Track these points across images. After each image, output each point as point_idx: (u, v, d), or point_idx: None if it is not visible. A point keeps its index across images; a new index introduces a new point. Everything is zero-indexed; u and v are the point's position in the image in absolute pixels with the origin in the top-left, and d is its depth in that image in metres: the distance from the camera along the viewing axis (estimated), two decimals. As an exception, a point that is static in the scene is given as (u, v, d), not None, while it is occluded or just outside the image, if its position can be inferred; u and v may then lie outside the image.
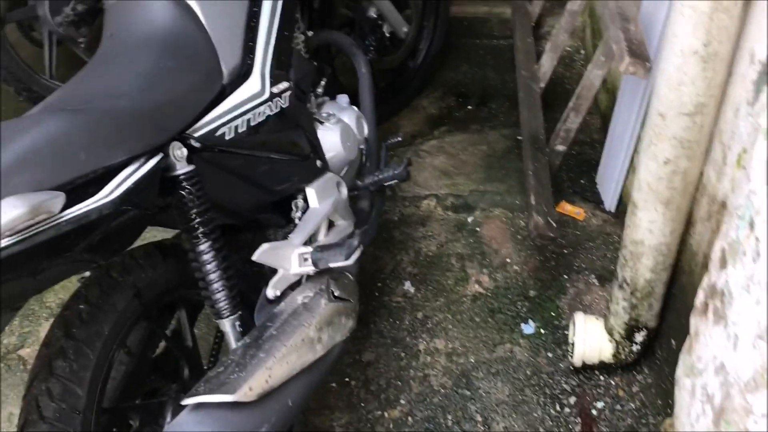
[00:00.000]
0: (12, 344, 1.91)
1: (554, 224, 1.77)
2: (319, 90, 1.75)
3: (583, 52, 2.84)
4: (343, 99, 1.81)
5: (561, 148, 2.02)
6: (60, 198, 0.91)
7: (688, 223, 1.44)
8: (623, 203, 2.13)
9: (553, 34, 2.33)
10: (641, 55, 1.49)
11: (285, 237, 1.48)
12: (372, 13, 2.24)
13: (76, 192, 0.95)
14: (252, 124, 1.37)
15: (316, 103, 1.73)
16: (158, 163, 1.11)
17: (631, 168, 2.00)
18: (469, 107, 2.67)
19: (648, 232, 1.43)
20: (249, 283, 1.43)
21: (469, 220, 2.22)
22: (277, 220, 1.58)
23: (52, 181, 0.92)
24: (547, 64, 2.35)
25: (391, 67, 2.51)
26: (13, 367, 1.86)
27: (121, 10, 1.37)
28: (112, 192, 0.98)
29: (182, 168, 1.18)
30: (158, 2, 1.34)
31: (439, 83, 2.79)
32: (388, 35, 2.33)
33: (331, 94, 1.84)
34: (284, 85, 1.48)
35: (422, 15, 2.54)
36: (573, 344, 1.72)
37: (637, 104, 1.81)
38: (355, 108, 1.80)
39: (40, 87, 2.50)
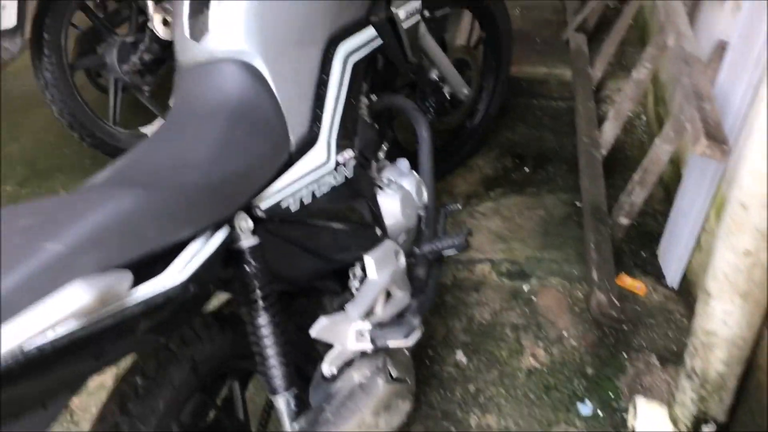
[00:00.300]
0: (60, 393, 1.90)
1: (617, 303, 1.71)
2: (381, 155, 1.74)
3: (644, 117, 2.79)
4: (403, 164, 1.79)
5: (624, 221, 1.96)
6: (127, 278, 0.89)
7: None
8: (687, 280, 2.05)
9: (617, 102, 2.28)
10: (718, 138, 1.44)
11: (341, 306, 1.45)
12: (434, 75, 2.24)
13: (142, 270, 0.94)
14: (317, 195, 1.36)
15: (376, 167, 1.72)
16: (225, 237, 1.10)
17: (698, 246, 1.93)
18: (526, 169, 2.63)
19: (722, 324, 1.36)
20: (303, 354, 1.40)
21: (525, 288, 2.16)
22: (334, 286, 1.55)
23: (119, 259, 0.90)
24: (609, 131, 2.30)
25: (449, 127, 2.50)
26: (60, 418, 1.85)
27: (192, 74, 1.38)
28: (179, 272, 0.96)
29: (247, 241, 1.16)
30: (229, 68, 1.35)
31: (496, 143, 2.76)
32: (448, 97, 2.32)
33: (391, 155, 1.83)
34: (349, 153, 1.47)
35: (482, 76, 2.53)
36: (633, 430, 1.64)
37: (707, 183, 1.75)
38: (415, 174, 1.78)
39: (104, 133, 2.55)
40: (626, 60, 3.02)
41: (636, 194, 1.92)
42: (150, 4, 2.58)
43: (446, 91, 2.31)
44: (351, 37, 1.56)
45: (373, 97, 1.83)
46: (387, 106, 1.92)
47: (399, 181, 1.72)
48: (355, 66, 1.56)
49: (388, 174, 1.73)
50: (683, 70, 1.65)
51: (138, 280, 0.92)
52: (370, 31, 1.64)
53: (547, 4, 3.71)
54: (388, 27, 1.69)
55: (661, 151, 1.82)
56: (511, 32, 2.52)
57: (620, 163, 2.56)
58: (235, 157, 1.19)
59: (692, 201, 1.86)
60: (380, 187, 1.65)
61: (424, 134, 1.90)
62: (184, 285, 0.95)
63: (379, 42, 1.68)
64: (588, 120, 2.44)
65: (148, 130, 2.74)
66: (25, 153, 2.91)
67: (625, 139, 2.68)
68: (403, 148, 2.25)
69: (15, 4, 2.17)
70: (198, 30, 1.38)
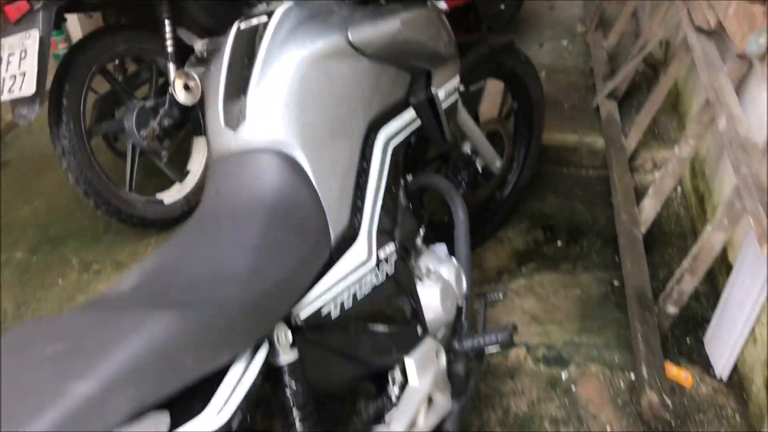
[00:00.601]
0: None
1: (670, 404, 1.57)
2: (419, 241, 1.63)
3: (680, 188, 2.69)
4: (441, 250, 1.68)
5: (672, 310, 1.84)
6: (165, 422, 0.78)
7: None
8: (738, 372, 1.92)
9: (658, 179, 2.18)
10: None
11: (378, 412, 1.33)
12: (466, 149, 2.15)
13: (180, 408, 0.82)
14: (358, 297, 1.25)
15: (414, 255, 1.61)
16: (265, 356, 0.99)
17: (751, 338, 1.80)
18: (559, 243, 2.52)
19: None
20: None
21: (563, 376, 2.03)
22: (369, 388, 1.43)
23: (154, 396, 0.79)
24: (649, 208, 2.20)
25: (479, 200, 2.40)
26: None
27: (228, 165, 1.29)
28: (220, 411, 0.85)
29: (286, 356, 1.05)
30: (267, 159, 1.26)
31: (526, 214, 2.66)
32: (480, 170, 2.22)
33: (425, 238, 1.73)
34: (390, 248, 1.37)
35: (513, 146, 2.44)
36: None
37: (763, 276, 1.63)
38: (454, 260, 1.67)
39: (120, 201, 2.46)
40: (659, 128, 2.93)
41: (685, 282, 1.80)
42: (171, 68, 2.53)
43: (479, 164, 2.22)
44: (391, 121, 1.48)
45: (408, 177, 1.74)
46: (423, 186, 1.83)
47: (438, 269, 1.61)
48: (395, 150, 1.47)
49: (427, 262, 1.62)
50: (740, 158, 1.55)
51: (174, 420, 0.81)
52: (409, 114, 1.55)
53: (573, 67, 3.66)
54: (428, 107, 1.60)
55: (714, 239, 1.71)
56: (543, 102, 2.45)
57: (657, 239, 2.45)
58: (276, 264, 1.08)
59: (747, 292, 1.74)
60: (420, 278, 1.54)
61: (461, 216, 1.80)
62: (227, 425, 0.84)
63: (418, 123, 1.60)
64: (626, 195, 2.34)
65: (166, 196, 2.65)
66: (38, 217, 2.82)
67: (662, 213, 2.57)
68: (432, 223, 2.15)
69: (35, 71, 2.10)
70: (234, 118, 1.29)
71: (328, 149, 1.30)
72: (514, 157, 2.48)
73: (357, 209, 1.33)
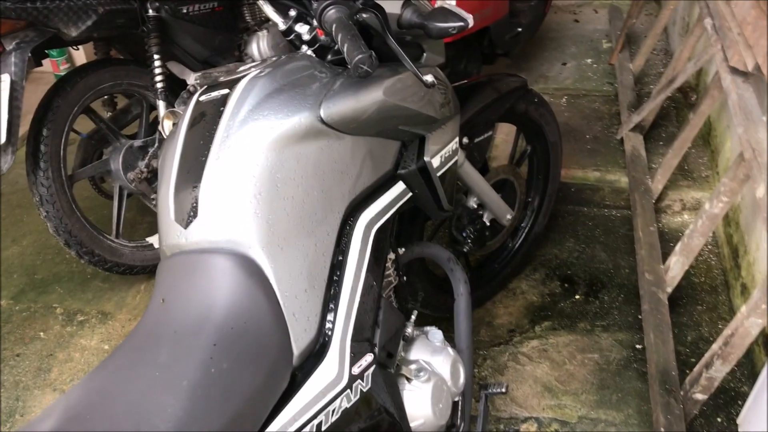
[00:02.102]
0: None
1: None
2: (408, 331, 1.44)
3: (711, 246, 2.45)
4: (435, 336, 1.49)
5: (700, 397, 1.63)
6: None
7: None
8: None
9: (686, 236, 1.96)
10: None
11: None
12: (472, 203, 1.95)
13: None
14: (323, 428, 1.07)
15: (402, 347, 1.42)
16: None
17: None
18: (577, 297, 2.31)
19: None
20: None
21: (578, 460, 1.83)
22: None
23: None
24: (676, 268, 1.98)
25: (487, 253, 2.20)
26: None
27: (176, 266, 1.12)
28: None
29: None
30: (220, 261, 1.08)
31: (541, 262, 2.45)
32: (488, 224, 2.03)
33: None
34: (367, 359, 1.18)
35: (527, 192, 2.24)
36: None
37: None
38: (451, 349, 1.48)
39: (105, 249, 2.30)
40: (689, 164, 2.70)
41: (715, 368, 1.58)
42: (161, 105, 2.36)
43: (486, 217, 2.02)
44: (375, 201, 1.29)
45: (401, 251, 1.55)
46: (416, 257, 1.64)
47: (430, 362, 1.42)
48: (379, 233, 1.29)
49: (417, 353, 1.43)
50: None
51: None
52: (398, 188, 1.37)
53: (597, 91, 3.42)
54: (420, 178, 1.41)
55: (749, 323, 1.50)
56: (560, 145, 2.23)
57: (685, 293, 2.23)
58: (218, 408, 0.91)
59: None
60: (408, 379, 1.35)
61: (461, 290, 1.61)
62: None
63: (408, 195, 1.41)
64: (650, 250, 2.12)
65: (156, 240, 2.49)
66: (25, 258, 2.68)
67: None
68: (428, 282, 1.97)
69: (5, 119, 1.95)
70: (185, 212, 1.11)
71: (295, 246, 1.12)
72: (528, 205, 2.28)
73: (328, 313, 1.15)
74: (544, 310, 2.27)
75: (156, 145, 2.41)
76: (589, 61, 3.82)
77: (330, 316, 1.15)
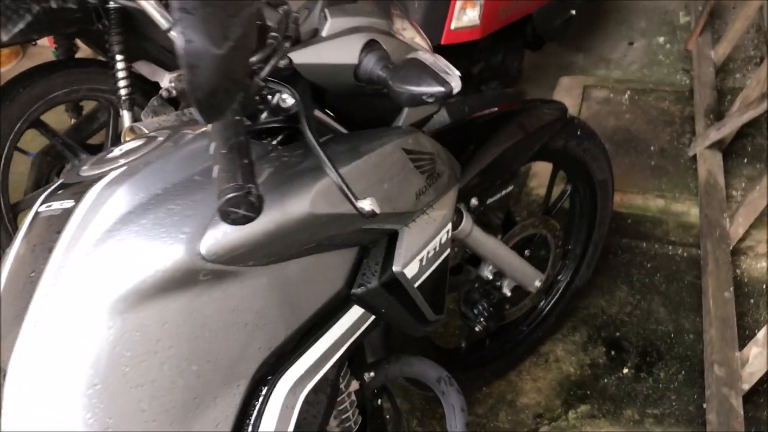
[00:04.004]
0: None
1: None
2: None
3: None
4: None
5: None
6: None
7: None
8: None
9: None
10: None
11: None
12: (487, 273, 1.50)
13: None
14: None
15: None
16: None
17: None
18: (625, 371, 1.84)
19: None
20: None
21: None
22: None
23: None
24: (757, 363, 1.49)
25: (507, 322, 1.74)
26: None
27: None
28: None
29: None
30: None
31: (583, 318, 1.98)
32: (509, 293, 1.57)
33: None
34: None
35: (566, 239, 1.76)
36: None
37: None
38: None
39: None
40: (780, 193, 2.15)
41: None
42: (125, 117, 1.96)
43: (507, 287, 1.57)
44: (308, 350, 0.88)
45: (368, 376, 1.13)
46: (392, 380, 1.21)
47: None
48: (310, 398, 0.88)
49: None
50: None
51: None
52: (351, 315, 0.95)
53: (668, 84, 2.83)
54: (386, 295, 0.98)
55: None
56: (611, 182, 1.74)
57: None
58: None
59: None
60: None
61: (457, 424, 1.20)
62: None
63: (369, 320, 0.99)
64: (722, 328, 1.62)
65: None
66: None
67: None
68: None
69: None
70: None
71: None
72: (569, 254, 1.80)
73: None
74: (582, 388, 1.81)
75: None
76: (661, 40, 3.21)
77: None
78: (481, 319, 1.53)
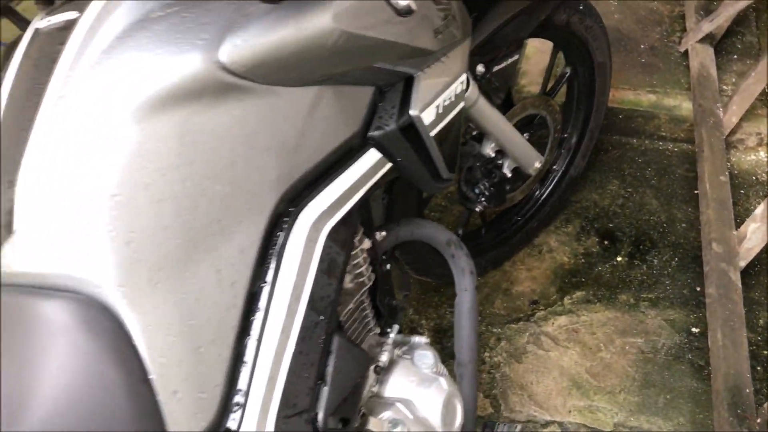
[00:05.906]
0: None
1: None
2: (383, 359, 1.02)
3: (794, 180, 1.95)
4: (424, 359, 1.07)
5: (787, 431, 1.20)
6: None
7: None
8: None
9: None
10: None
11: None
12: (488, 150, 1.47)
13: None
14: None
15: (375, 378, 1.02)
16: None
17: None
18: (619, 259, 1.85)
19: None
20: None
21: (610, 484, 1.44)
22: None
23: None
24: (755, 238, 1.51)
25: (506, 207, 1.74)
26: None
27: (11, 308, 0.70)
28: None
29: None
30: (50, 308, 0.68)
31: (576, 210, 1.98)
32: (509, 174, 1.55)
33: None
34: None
35: (563, 125, 1.74)
36: None
37: None
38: (444, 379, 1.06)
39: None
40: (771, 86, 2.15)
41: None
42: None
43: (507, 168, 1.55)
44: (329, 185, 0.85)
45: (379, 235, 1.11)
46: (404, 240, 1.19)
47: (413, 402, 1.01)
48: (336, 233, 0.85)
49: (396, 388, 1.02)
50: None
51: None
52: (369, 159, 0.92)
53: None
54: (404, 141, 0.95)
55: None
56: (609, 66, 1.71)
57: (759, 258, 1.75)
58: None
59: None
60: (376, 437, 0.94)
61: (466, 284, 1.19)
62: None
63: (386, 167, 0.95)
64: (719, 209, 1.63)
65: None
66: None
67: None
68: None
69: None
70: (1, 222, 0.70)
71: (180, 278, 0.71)
72: (564, 142, 1.78)
73: (238, 380, 0.74)
74: (576, 276, 1.83)
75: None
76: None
77: (241, 384, 0.73)
78: (482, 199, 1.52)
